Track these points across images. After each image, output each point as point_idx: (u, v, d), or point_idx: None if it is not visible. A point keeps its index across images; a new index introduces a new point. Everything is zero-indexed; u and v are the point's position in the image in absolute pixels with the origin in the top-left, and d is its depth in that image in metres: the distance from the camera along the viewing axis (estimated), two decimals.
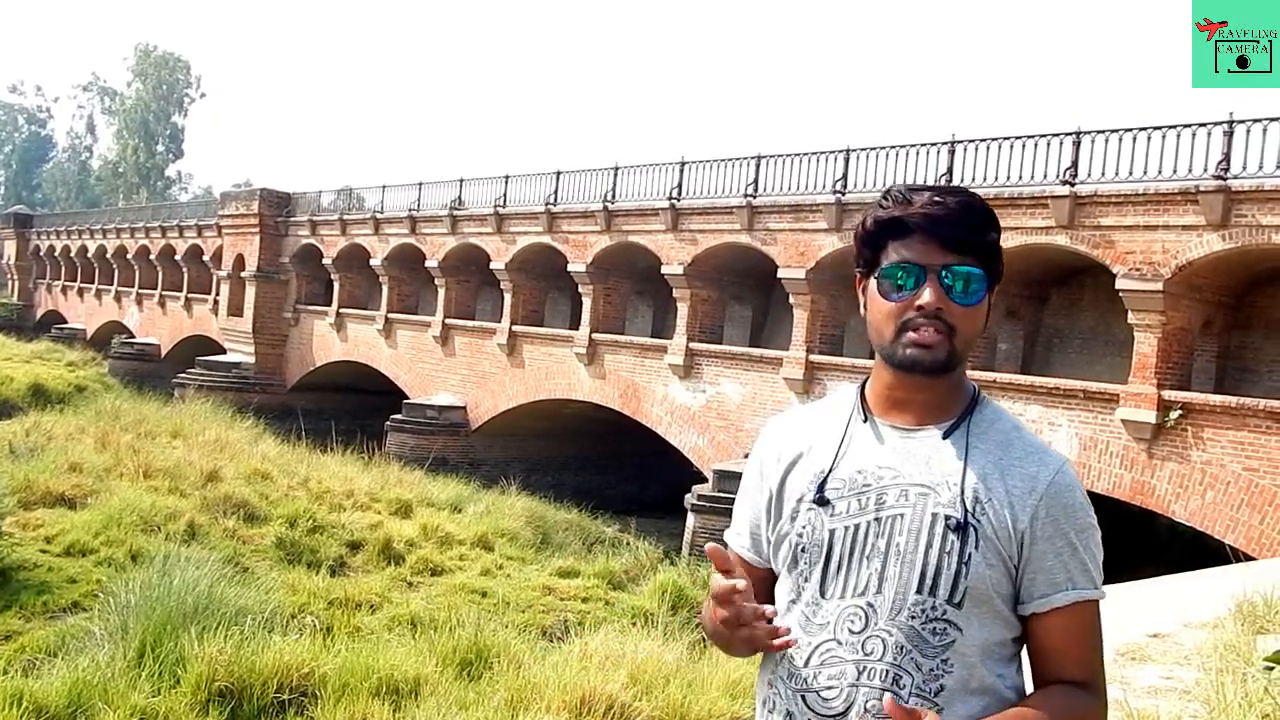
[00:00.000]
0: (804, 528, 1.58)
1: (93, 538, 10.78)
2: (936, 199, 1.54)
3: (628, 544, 15.21)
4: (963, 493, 1.51)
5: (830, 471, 1.58)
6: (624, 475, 23.19)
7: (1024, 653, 1.59)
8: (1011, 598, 1.53)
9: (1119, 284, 13.31)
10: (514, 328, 22.91)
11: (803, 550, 1.58)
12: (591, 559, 14.21)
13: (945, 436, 1.56)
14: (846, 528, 1.55)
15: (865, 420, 1.61)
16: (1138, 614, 5.48)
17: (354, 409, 27.04)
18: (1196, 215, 12.60)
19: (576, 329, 21.64)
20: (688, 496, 16.51)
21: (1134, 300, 13.20)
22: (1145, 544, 16.73)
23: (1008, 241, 14.44)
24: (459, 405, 23.78)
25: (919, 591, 1.50)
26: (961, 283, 1.52)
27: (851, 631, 1.52)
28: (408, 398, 24.71)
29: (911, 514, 1.52)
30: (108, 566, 10.00)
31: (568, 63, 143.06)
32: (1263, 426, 12.00)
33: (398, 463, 20.35)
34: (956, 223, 1.53)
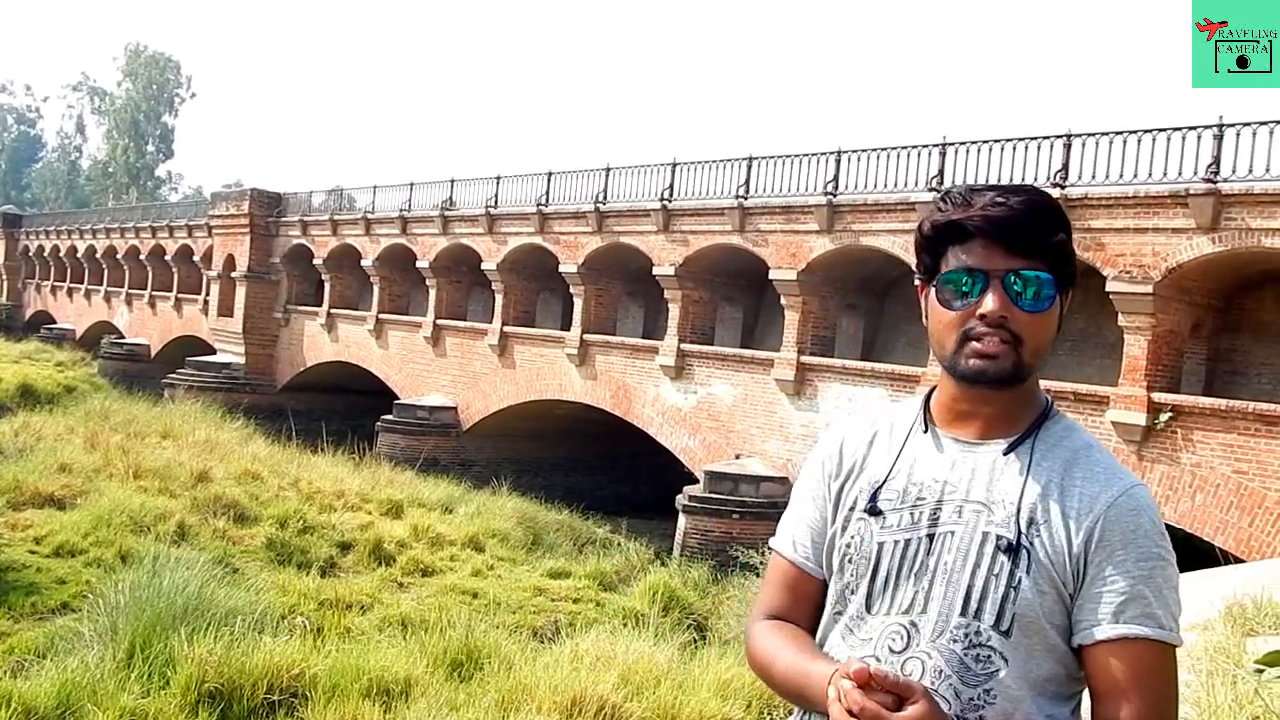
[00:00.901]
0: (853, 537, 1.51)
1: (82, 538, 10.73)
2: (999, 199, 1.43)
3: (619, 545, 15.22)
4: (1018, 512, 1.42)
5: (885, 482, 1.51)
6: (615, 476, 23.19)
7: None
8: (1067, 630, 1.41)
9: (1109, 286, 13.35)
10: (505, 328, 22.89)
11: (849, 560, 1.51)
12: (582, 560, 14.21)
13: (1007, 452, 1.47)
14: (896, 541, 1.48)
15: (926, 431, 1.54)
16: None
17: (345, 409, 26.99)
18: (1187, 218, 12.65)
19: (568, 330, 21.63)
20: (679, 497, 16.52)
21: (1124, 302, 13.25)
22: None
23: None
24: (450, 406, 23.75)
25: (963, 614, 1.41)
26: (1028, 288, 1.42)
27: (892, 650, 1.45)
28: (399, 398, 24.67)
29: (963, 531, 1.44)
30: (97, 567, 9.95)
31: (559, 63, 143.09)
32: (1252, 429, 12.05)
33: (388, 463, 20.31)
34: (1021, 224, 1.42)
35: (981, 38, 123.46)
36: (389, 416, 23.54)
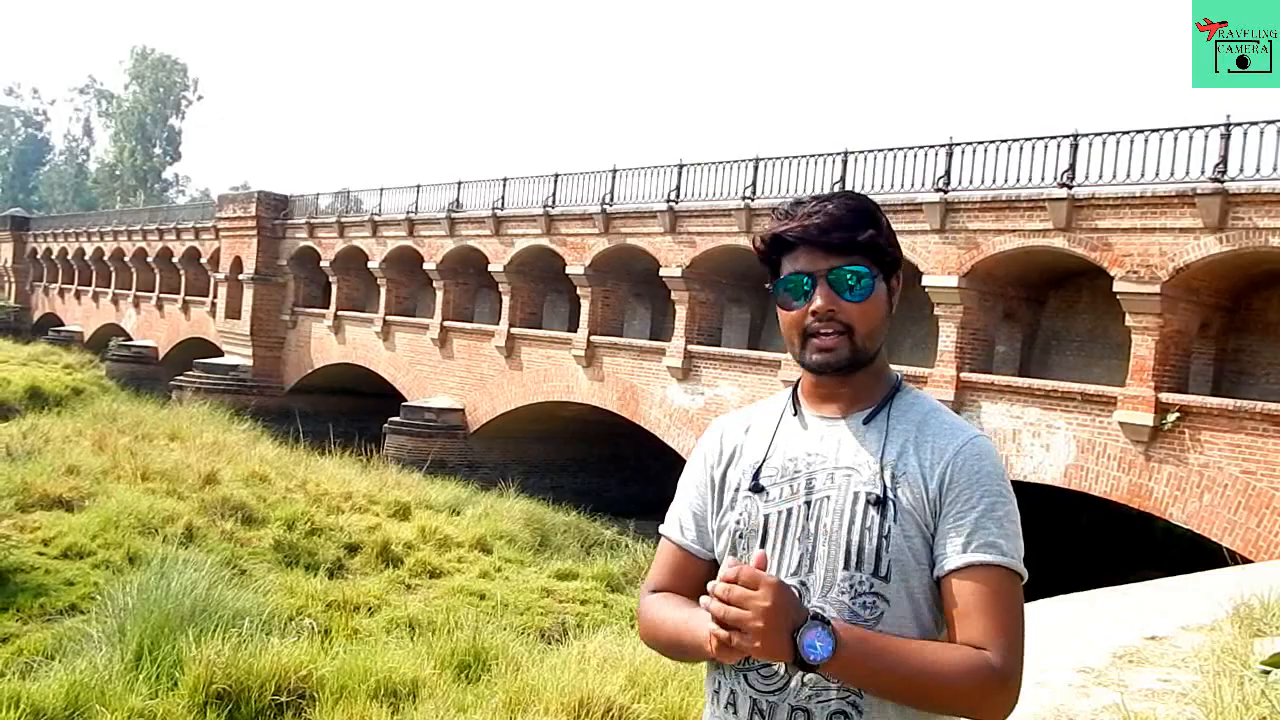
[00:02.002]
0: (741, 514, 1.66)
1: (90, 540, 10.77)
2: (815, 208, 1.62)
3: (626, 546, 15.22)
4: (881, 470, 1.58)
5: (764, 461, 1.67)
6: (622, 477, 23.18)
7: None
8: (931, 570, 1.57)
9: (1116, 287, 13.32)
10: (512, 330, 22.90)
11: (740, 536, 1.65)
12: (590, 561, 14.21)
13: (866, 421, 1.64)
14: (779, 512, 1.62)
15: (795, 414, 1.71)
16: (1135, 617, 5.49)
17: (352, 411, 27.03)
18: (1194, 218, 12.61)
19: (575, 331, 21.63)
20: None
21: (1131, 303, 13.21)
22: (1142, 547, 16.76)
23: (1006, 244, 14.50)
24: (457, 408, 23.77)
25: (846, 567, 1.56)
26: (849, 282, 1.60)
27: None
28: (406, 400, 24.69)
29: (837, 495, 1.59)
30: (105, 569, 9.98)
31: (566, 65, 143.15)
32: (1260, 429, 12.01)
33: (396, 465, 20.34)
34: (834, 228, 1.60)
35: (987, 39, 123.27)
36: (396, 418, 23.57)
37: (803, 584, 1.58)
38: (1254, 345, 14.29)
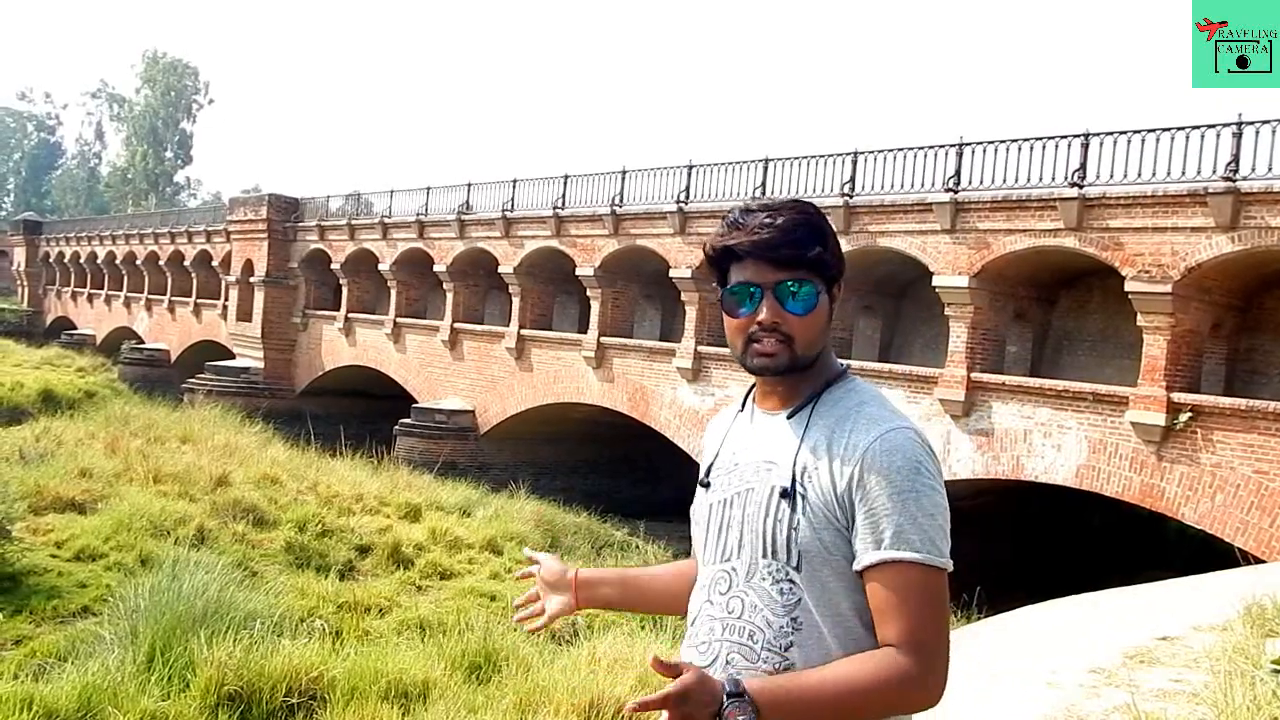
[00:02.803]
0: (696, 507, 1.80)
1: (102, 542, 10.80)
2: (765, 221, 1.66)
3: (637, 547, 15.20)
4: (794, 464, 1.65)
5: (716, 458, 1.80)
6: (633, 479, 23.19)
7: None
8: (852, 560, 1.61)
9: (1128, 286, 13.27)
10: (522, 332, 22.94)
11: (695, 524, 1.80)
12: (601, 562, 14.20)
13: (790, 416, 1.71)
14: (715, 502, 1.75)
15: (743, 410, 1.83)
16: (1146, 617, 5.47)
17: (362, 413, 27.11)
18: (1205, 217, 12.56)
19: (584, 333, 21.65)
20: None
21: (1143, 302, 13.16)
22: (1154, 547, 16.68)
23: (1016, 244, 14.45)
24: (467, 409, 23.82)
25: (764, 555, 1.65)
26: (795, 297, 1.66)
27: (719, 593, 1.70)
28: (416, 402, 24.75)
29: (759, 487, 1.68)
30: (117, 571, 10.01)
31: (575, 67, 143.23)
32: (1273, 429, 11.95)
33: (406, 467, 20.37)
34: (783, 243, 1.65)
35: (996, 39, 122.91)
36: (407, 420, 23.62)
37: (732, 569, 1.69)
38: (1266, 345, 14.22)
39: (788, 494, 1.63)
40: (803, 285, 1.66)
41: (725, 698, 1.47)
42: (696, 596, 1.76)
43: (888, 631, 1.55)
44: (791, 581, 1.62)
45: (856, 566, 1.58)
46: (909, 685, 1.52)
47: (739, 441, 1.77)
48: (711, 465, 1.79)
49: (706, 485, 1.78)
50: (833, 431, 1.65)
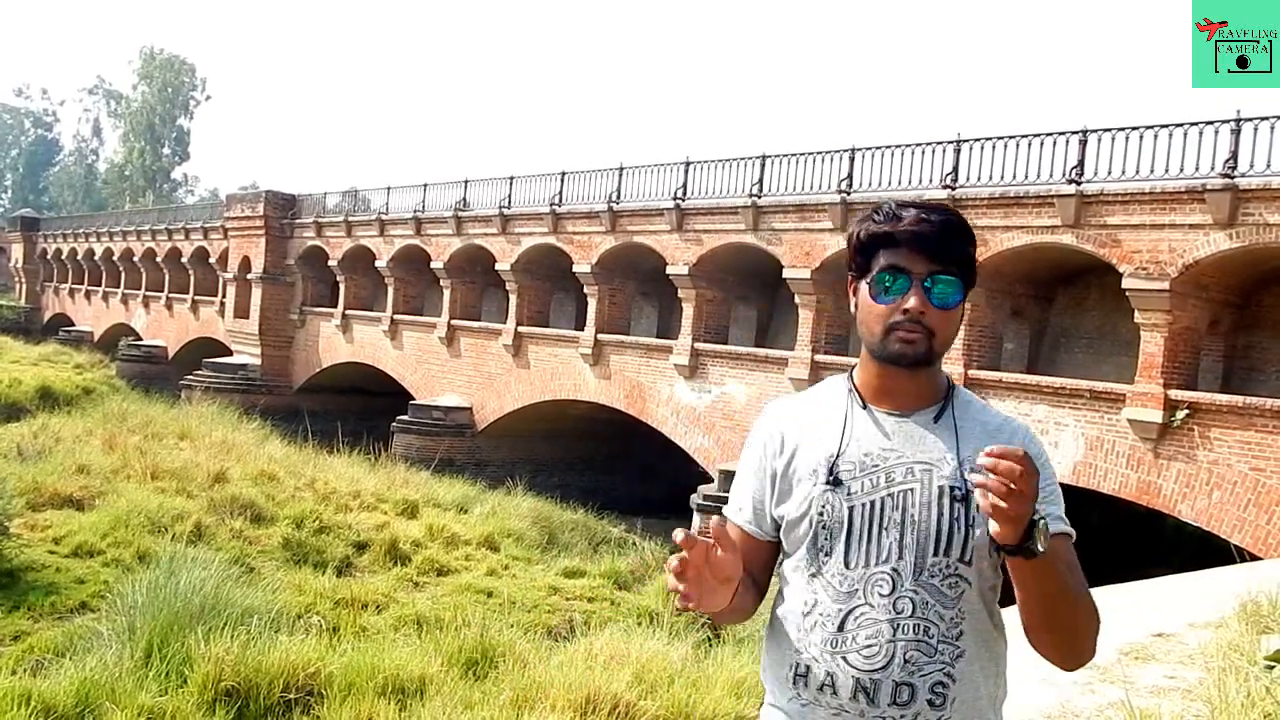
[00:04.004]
0: (823, 507, 1.75)
1: (100, 539, 10.82)
2: (923, 216, 1.74)
3: (633, 544, 15.21)
4: (960, 466, 1.72)
5: (839, 455, 1.77)
6: (630, 476, 23.19)
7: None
8: (997, 550, 1.68)
9: (1125, 283, 13.28)
10: (519, 329, 22.93)
11: (824, 528, 1.75)
12: (597, 559, 14.21)
13: (936, 419, 1.78)
14: (863, 504, 1.74)
15: (863, 408, 1.80)
16: (1142, 614, 5.48)
17: (360, 410, 27.10)
18: (1203, 214, 12.56)
19: (582, 330, 21.65)
20: (693, 496, 16.52)
21: (1140, 300, 13.17)
22: (1151, 544, 16.71)
23: (1014, 241, 14.47)
24: (465, 406, 23.81)
25: (935, 554, 1.70)
26: (941, 289, 1.73)
27: (881, 595, 1.71)
28: (414, 399, 24.75)
29: (920, 488, 1.72)
30: (115, 567, 10.03)
31: (572, 63, 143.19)
32: (1270, 426, 11.96)
33: (404, 464, 20.36)
34: (940, 236, 1.73)
35: (993, 35, 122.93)
36: (404, 417, 23.62)
37: (895, 571, 1.71)
38: (1264, 342, 14.24)
39: (963, 495, 1.70)
40: (951, 281, 1.73)
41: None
42: (836, 600, 1.73)
43: None
44: (959, 576, 1.71)
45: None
46: (1096, 629, 1.70)
47: (868, 441, 1.77)
48: (835, 464, 1.76)
49: (838, 483, 1.75)
50: (982, 433, 1.76)
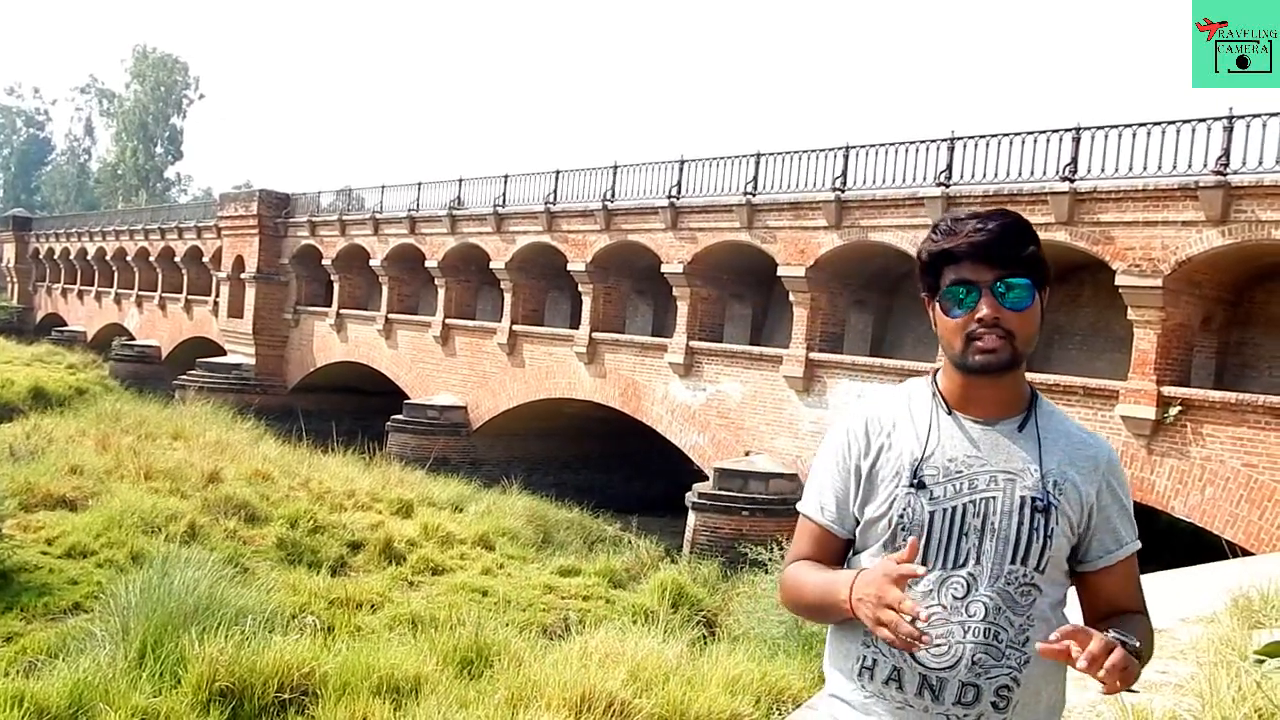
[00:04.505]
0: (905, 509, 1.80)
1: (93, 539, 10.79)
2: (979, 225, 1.77)
3: (629, 542, 15.23)
4: (1043, 478, 1.78)
5: (924, 460, 1.81)
6: (625, 474, 23.20)
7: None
8: (1070, 559, 1.83)
9: (1119, 280, 13.31)
10: (514, 327, 22.92)
11: (903, 529, 1.79)
12: (592, 558, 14.23)
13: (1020, 429, 1.82)
14: (946, 509, 1.78)
15: (949, 414, 1.84)
16: None
17: (355, 410, 27.06)
18: (1196, 211, 12.59)
19: (577, 328, 21.65)
20: (688, 495, 16.52)
21: (1134, 296, 13.20)
22: (1144, 540, 16.71)
23: None
24: (460, 405, 23.80)
25: (1013, 562, 1.76)
26: (1012, 293, 1.76)
27: (955, 597, 1.76)
28: (408, 398, 24.72)
29: (1002, 497, 1.77)
30: (108, 568, 10.00)
31: (566, 61, 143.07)
32: (1262, 422, 12.00)
33: (399, 463, 20.36)
34: (999, 243, 1.76)
35: (988, 33, 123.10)
36: (399, 416, 23.60)
37: (971, 575, 1.76)
38: (1256, 338, 14.27)
39: (1044, 506, 1.76)
40: (1019, 282, 1.76)
41: (1120, 641, 1.62)
42: (911, 599, 1.74)
43: (1132, 604, 1.83)
44: (1033, 584, 1.76)
45: (1115, 559, 1.82)
46: (1153, 636, 1.81)
47: (953, 447, 1.81)
48: (919, 469, 1.80)
49: (922, 487, 1.79)
50: (1066, 446, 1.83)
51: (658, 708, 5.42)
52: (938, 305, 1.81)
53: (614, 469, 23.35)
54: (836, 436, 1.93)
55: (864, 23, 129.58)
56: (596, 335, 20.88)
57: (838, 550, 1.90)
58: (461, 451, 23.04)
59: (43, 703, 5.10)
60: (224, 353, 31.53)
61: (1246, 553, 10.83)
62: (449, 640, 6.79)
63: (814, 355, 16.96)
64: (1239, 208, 12.28)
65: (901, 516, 1.79)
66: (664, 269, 19.54)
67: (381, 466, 19.05)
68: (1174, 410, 12.69)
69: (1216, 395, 12.71)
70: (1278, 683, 2.99)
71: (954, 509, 1.77)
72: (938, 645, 1.73)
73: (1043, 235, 12.42)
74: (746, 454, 17.29)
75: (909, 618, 1.60)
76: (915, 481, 1.79)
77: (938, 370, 1.89)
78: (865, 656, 1.80)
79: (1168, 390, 12.82)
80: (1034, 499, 1.76)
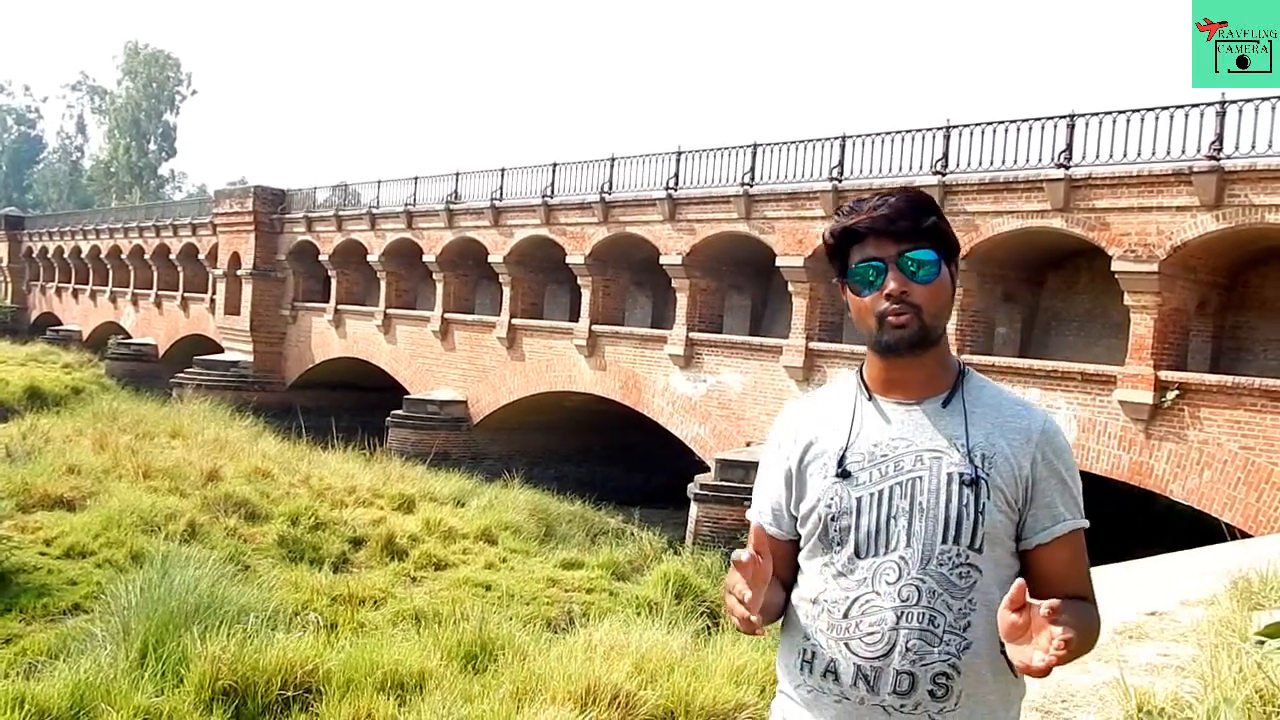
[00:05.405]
0: (832, 499, 1.77)
1: (92, 539, 10.77)
2: (879, 202, 1.75)
3: (631, 534, 15.26)
4: (970, 452, 1.72)
5: (847, 448, 1.78)
6: (627, 466, 23.20)
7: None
8: (1014, 537, 1.75)
9: (1115, 266, 13.32)
10: (513, 321, 22.91)
11: (833, 519, 1.76)
12: (595, 550, 14.23)
13: (944, 405, 1.77)
14: (872, 494, 1.74)
15: (870, 399, 1.81)
16: (1136, 593, 5.51)
17: (354, 406, 27.04)
18: (1190, 196, 12.60)
19: (576, 321, 21.64)
20: (690, 486, 16.53)
21: (1130, 282, 13.21)
22: (1144, 524, 16.79)
23: (1004, 225, 14.49)
24: (460, 400, 23.79)
25: (944, 541, 1.70)
26: (917, 266, 1.73)
27: (888, 583, 1.71)
28: (408, 393, 24.72)
29: (929, 475, 1.72)
30: (108, 568, 9.99)
31: (563, 54, 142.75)
32: (1258, 405, 12.03)
33: (399, 458, 20.36)
34: (901, 216, 1.73)
35: (985, 22, 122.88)
36: (399, 411, 23.59)
37: (902, 559, 1.71)
38: (1251, 322, 14.30)
39: (971, 480, 1.70)
40: (924, 255, 1.73)
41: None
42: (844, 588, 1.74)
43: (1072, 587, 1.73)
44: (970, 564, 1.70)
45: (1053, 534, 1.73)
46: (1098, 629, 1.76)
47: (875, 432, 1.77)
48: (844, 457, 1.76)
49: (847, 476, 1.76)
50: (995, 418, 1.76)
51: (663, 699, 5.42)
52: (848, 287, 1.79)
53: (615, 461, 23.35)
54: (769, 440, 1.92)
55: (859, 12, 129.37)
56: (596, 328, 20.88)
57: (782, 552, 1.86)
58: (462, 446, 23.03)
59: (44, 704, 5.08)
60: (221, 350, 31.49)
61: (1245, 535, 10.85)
62: (453, 635, 6.78)
63: (813, 345, 16.97)
64: (1232, 192, 12.30)
65: (829, 507, 1.76)
66: (663, 260, 19.53)
67: (382, 462, 19.05)
68: (1171, 394, 12.71)
69: (1213, 379, 12.73)
70: (1279, 663, 3.01)
71: (880, 493, 1.73)
72: (871, 634, 1.69)
73: (1039, 222, 12.46)
74: (748, 444, 17.30)
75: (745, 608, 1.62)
76: (840, 471, 1.76)
77: (864, 362, 1.87)
78: (805, 650, 1.78)
79: (1165, 375, 12.85)
80: (961, 474, 1.70)
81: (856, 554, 1.73)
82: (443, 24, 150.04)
